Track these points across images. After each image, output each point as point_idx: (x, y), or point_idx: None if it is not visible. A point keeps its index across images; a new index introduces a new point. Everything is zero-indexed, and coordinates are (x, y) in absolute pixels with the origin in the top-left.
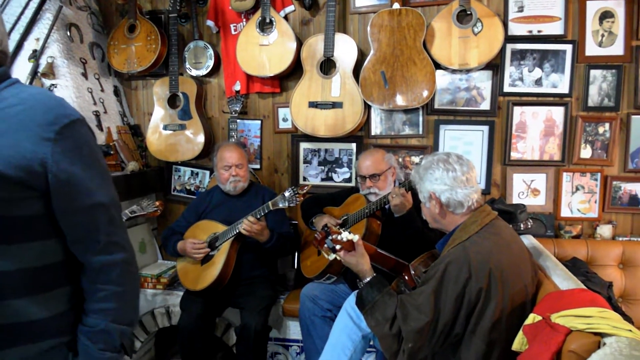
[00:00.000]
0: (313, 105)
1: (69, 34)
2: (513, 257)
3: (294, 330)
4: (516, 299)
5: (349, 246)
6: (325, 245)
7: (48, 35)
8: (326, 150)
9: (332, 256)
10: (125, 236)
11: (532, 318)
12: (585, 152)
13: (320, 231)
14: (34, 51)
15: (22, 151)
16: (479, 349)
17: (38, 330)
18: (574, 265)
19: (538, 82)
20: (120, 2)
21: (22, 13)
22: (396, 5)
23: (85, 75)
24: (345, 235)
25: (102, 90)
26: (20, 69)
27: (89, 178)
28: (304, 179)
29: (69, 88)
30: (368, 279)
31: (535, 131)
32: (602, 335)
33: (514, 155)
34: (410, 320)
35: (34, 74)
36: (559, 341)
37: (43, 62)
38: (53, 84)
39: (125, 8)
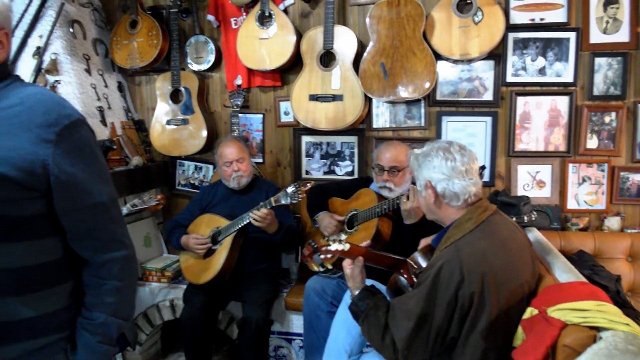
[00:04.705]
0: (313, 98)
1: (71, 30)
2: (509, 256)
3: (296, 324)
4: (512, 299)
5: (341, 254)
6: (314, 260)
7: (51, 32)
8: (328, 144)
9: (321, 269)
10: (125, 232)
11: (530, 312)
12: (592, 143)
13: (307, 246)
14: (38, 48)
15: (23, 153)
16: (476, 351)
17: (38, 327)
18: (581, 259)
19: (541, 71)
20: None
21: (25, 10)
22: None
23: (88, 71)
24: (335, 246)
25: (106, 86)
26: (25, 66)
27: (90, 178)
28: (307, 172)
29: (73, 84)
30: (356, 292)
31: (540, 122)
32: (598, 329)
33: (518, 146)
34: (401, 328)
35: (37, 70)
36: (554, 335)
37: (47, 58)
38: (57, 80)
39: (127, 4)
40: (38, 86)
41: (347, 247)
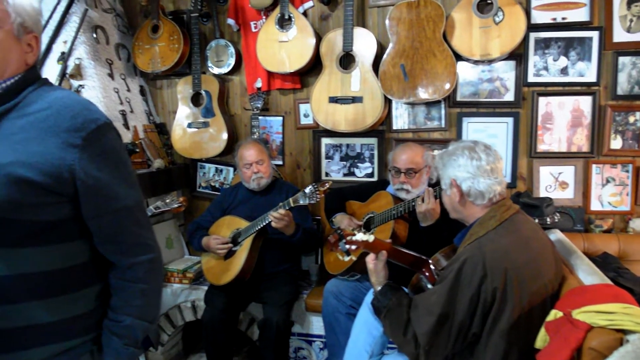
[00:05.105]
0: (333, 100)
1: (95, 35)
2: (532, 255)
3: (317, 325)
4: (535, 299)
5: (365, 246)
6: (339, 248)
7: (75, 38)
8: (348, 146)
9: (346, 258)
10: (151, 236)
11: (554, 314)
12: (616, 143)
13: (333, 234)
14: (62, 53)
15: (50, 158)
16: (497, 349)
17: (64, 330)
18: (605, 261)
19: (564, 71)
20: (143, 4)
21: (50, 17)
22: None
23: (111, 75)
24: (360, 236)
25: (129, 90)
26: (49, 71)
27: (116, 182)
28: (326, 174)
29: (96, 88)
30: (379, 288)
31: (562, 122)
32: (625, 332)
33: (541, 147)
34: (422, 323)
35: (62, 75)
36: (579, 338)
37: (71, 63)
38: (81, 85)
39: (149, 9)
40: (65, 90)
41: (371, 238)
